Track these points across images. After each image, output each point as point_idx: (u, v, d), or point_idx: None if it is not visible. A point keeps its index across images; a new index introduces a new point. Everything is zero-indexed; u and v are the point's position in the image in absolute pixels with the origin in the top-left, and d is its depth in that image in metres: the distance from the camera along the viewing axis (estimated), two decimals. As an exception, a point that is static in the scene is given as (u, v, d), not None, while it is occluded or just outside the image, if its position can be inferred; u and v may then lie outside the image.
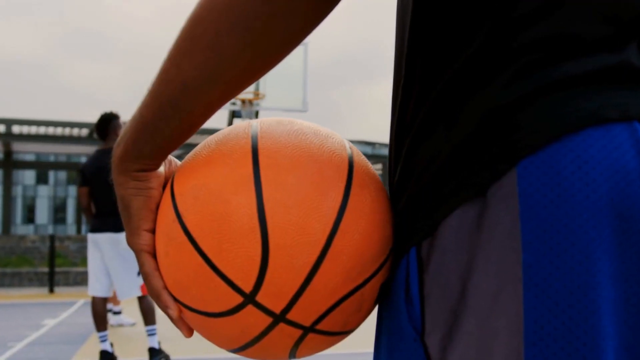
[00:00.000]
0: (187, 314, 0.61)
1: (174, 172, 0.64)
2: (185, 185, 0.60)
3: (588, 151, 0.50)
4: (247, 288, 0.56)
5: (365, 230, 0.58)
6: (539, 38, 0.53)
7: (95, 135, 14.50)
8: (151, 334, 4.58)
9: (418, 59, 0.59)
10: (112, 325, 6.49)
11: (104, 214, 4.58)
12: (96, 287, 4.61)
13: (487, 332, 0.51)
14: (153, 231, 0.63)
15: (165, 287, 0.62)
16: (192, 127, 0.60)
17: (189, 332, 0.64)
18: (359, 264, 0.57)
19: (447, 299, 0.54)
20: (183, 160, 0.64)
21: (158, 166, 0.63)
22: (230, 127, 0.64)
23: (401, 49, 0.64)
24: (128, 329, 6.54)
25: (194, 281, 0.58)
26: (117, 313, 6.69)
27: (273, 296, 0.56)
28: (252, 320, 0.57)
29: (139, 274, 4.58)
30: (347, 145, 0.62)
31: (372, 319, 0.67)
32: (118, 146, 0.62)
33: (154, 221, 0.63)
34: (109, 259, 4.58)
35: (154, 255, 0.63)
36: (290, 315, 0.57)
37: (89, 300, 6.06)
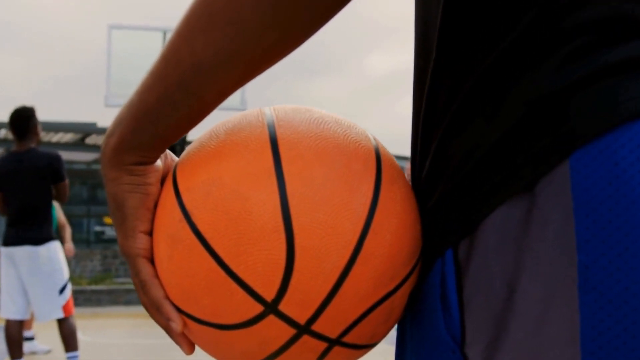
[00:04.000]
0: (193, 327, 0.59)
1: (174, 166, 0.62)
2: (193, 180, 0.58)
3: None
4: (269, 296, 0.55)
5: (397, 230, 0.58)
6: (592, 19, 0.54)
7: (2, 135, 14.09)
8: (73, 361, 4.47)
9: (452, 44, 0.59)
10: (23, 353, 6.29)
11: (21, 225, 4.43)
12: (11, 308, 4.46)
13: (538, 341, 0.52)
14: (150, 233, 0.61)
15: (167, 297, 0.60)
16: (200, 114, 0.58)
17: (190, 348, 0.62)
18: (391, 268, 0.57)
19: (491, 306, 0.54)
20: (184, 153, 0.62)
21: (157, 159, 0.61)
22: (239, 114, 0.63)
23: (424, 33, 0.64)
24: (43, 357, 6.35)
25: (205, 289, 0.56)
26: (30, 339, 6.48)
27: (298, 305, 0.55)
28: (273, 332, 0.56)
29: (60, 292, 4.47)
30: (371, 136, 0.62)
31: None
32: (111, 136, 0.60)
33: (152, 222, 0.61)
34: (27, 275, 4.44)
35: (151, 260, 0.61)
36: (315, 326, 0.56)
37: (-2, 324, 5.86)
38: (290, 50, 0.57)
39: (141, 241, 0.60)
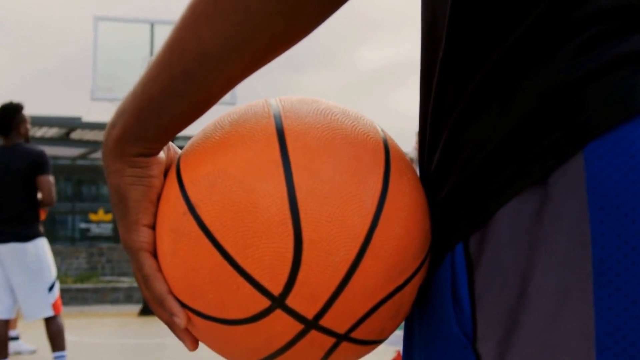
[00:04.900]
0: (197, 322, 0.59)
1: (177, 158, 0.62)
2: (198, 172, 0.58)
3: None
4: (276, 290, 0.55)
5: (406, 222, 0.58)
6: (604, 9, 0.54)
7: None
8: (60, 361, 4.45)
9: (462, 34, 0.59)
10: (8, 353, 6.27)
11: (6, 222, 4.41)
12: (-3, 307, 4.45)
13: (552, 336, 0.52)
14: (153, 227, 0.61)
15: (170, 292, 0.60)
16: (205, 105, 0.59)
17: (194, 344, 0.62)
18: (401, 262, 0.57)
19: (504, 300, 0.54)
20: (188, 145, 0.62)
21: (160, 150, 0.61)
22: (244, 105, 0.63)
23: (432, 23, 0.64)
24: (28, 357, 6.33)
25: (210, 283, 0.56)
26: (15, 339, 6.46)
27: (306, 299, 0.55)
28: (280, 327, 0.56)
29: (50, 289, 4.45)
30: (379, 127, 0.62)
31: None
32: (113, 127, 0.60)
33: (155, 215, 0.61)
34: (14, 273, 4.42)
35: (154, 254, 0.61)
36: (323, 321, 0.56)
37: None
38: (297, 39, 0.57)
39: (144, 235, 0.60)
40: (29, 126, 4.60)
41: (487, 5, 0.57)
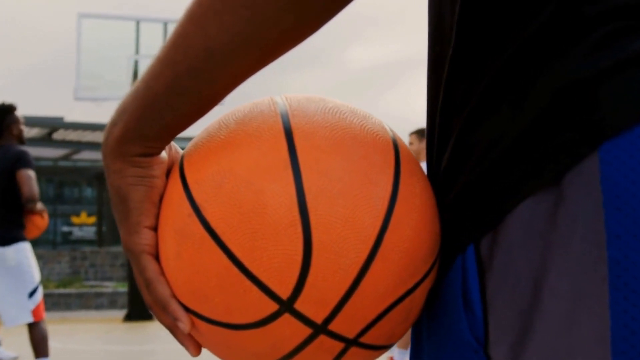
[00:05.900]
0: (202, 327, 0.59)
1: (180, 158, 0.62)
2: (203, 172, 0.58)
3: None
4: (285, 294, 0.55)
5: (417, 224, 0.58)
6: (620, 6, 0.54)
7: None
8: (43, 368, 4.43)
9: (473, 29, 0.59)
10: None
11: None
12: (-23, 313, 4.42)
13: (567, 340, 0.52)
14: (155, 229, 0.60)
15: (173, 296, 0.59)
16: (210, 103, 0.58)
17: (197, 349, 0.62)
18: (411, 264, 0.57)
19: (517, 304, 0.54)
20: (191, 144, 0.62)
21: (162, 150, 0.61)
22: (250, 104, 0.62)
23: (440, 17, 0.64)
24: (9, 363, 6.29)
25: (216, 286, 0.56)
26: (-5, 345, 6.43)
27: (315, 303, 0.55)
28: (288, 332, 0.56)
29: (30, 295, 4.42)
30: (387, 127, 0.62)
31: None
32: (114, 125, 0.59)
33: (157, 217, 0.60)
34: (-6, 277, 4.39)
35: (156, 257, 0.60)
36: (332, 326, 0.56)
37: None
38: (305, 35, 0.57)
39: (146, 237, 0.60)
40: (22, 127, 4.55)
41: (498, 2, 0.57)
